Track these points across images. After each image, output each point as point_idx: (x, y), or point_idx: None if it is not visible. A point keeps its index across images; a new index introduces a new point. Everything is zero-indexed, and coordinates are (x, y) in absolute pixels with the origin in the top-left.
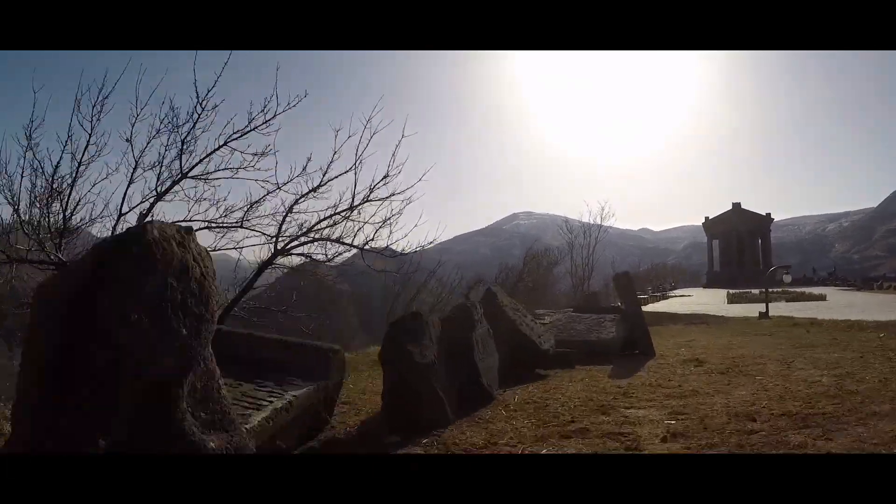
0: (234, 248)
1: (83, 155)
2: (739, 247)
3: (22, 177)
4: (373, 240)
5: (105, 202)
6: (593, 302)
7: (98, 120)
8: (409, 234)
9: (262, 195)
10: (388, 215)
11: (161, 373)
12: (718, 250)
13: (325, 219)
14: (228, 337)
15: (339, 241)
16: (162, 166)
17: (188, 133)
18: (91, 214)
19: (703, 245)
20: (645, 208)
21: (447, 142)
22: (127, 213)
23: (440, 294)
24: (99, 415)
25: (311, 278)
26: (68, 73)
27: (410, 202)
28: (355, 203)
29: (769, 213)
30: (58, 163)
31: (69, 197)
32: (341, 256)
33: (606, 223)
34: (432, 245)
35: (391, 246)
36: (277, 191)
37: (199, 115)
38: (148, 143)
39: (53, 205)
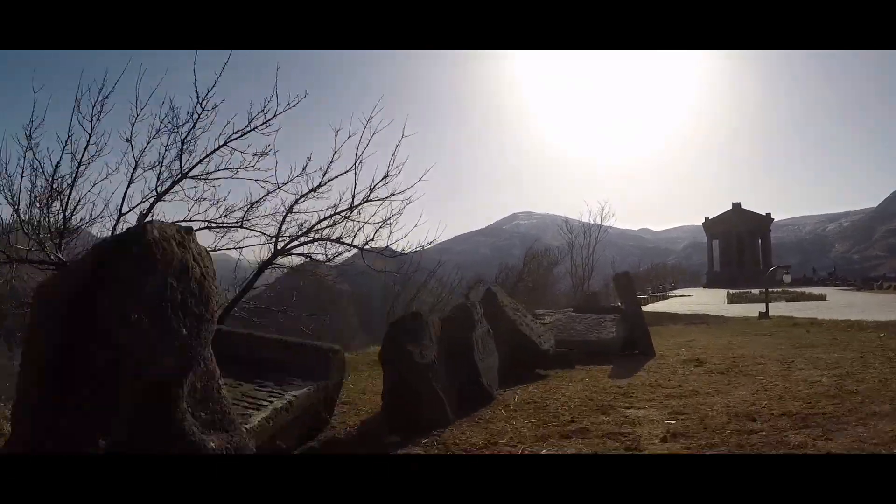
0: (234, 248)
1: (83, 155)
2: (739, 247)
3: (22, 177)
4: (373, 240)
5: (105, 202)
6: (593, 302)
7: (98, 120)
8: (408, 234)
9: (262, 195)
10: (388, 215)
11: (161, 373)
12: (718, 250)
13: (325, 219)
14: (228, 337)
15: (339, 241)
16: (162, 166)
17: (188, 133)
18: (91, 214)
19: (703, 245)
20: (645, 208)
21: (447, 142)
22: (127, 213)
23: (440, 294)
24: (99, 415)
25: (312, 278)
26: (68, 73)
27: (410, 202)
28: (355, 203)
29: (769, 213)
30: (58, 163)
31: (69, 197)
32: (341, 256)
33: (606, 223)
34: (432, 245)
35: (391, 246)
36: (277, 191)
37: (199, 115)
38: (148, 143)
39: (53, 205)
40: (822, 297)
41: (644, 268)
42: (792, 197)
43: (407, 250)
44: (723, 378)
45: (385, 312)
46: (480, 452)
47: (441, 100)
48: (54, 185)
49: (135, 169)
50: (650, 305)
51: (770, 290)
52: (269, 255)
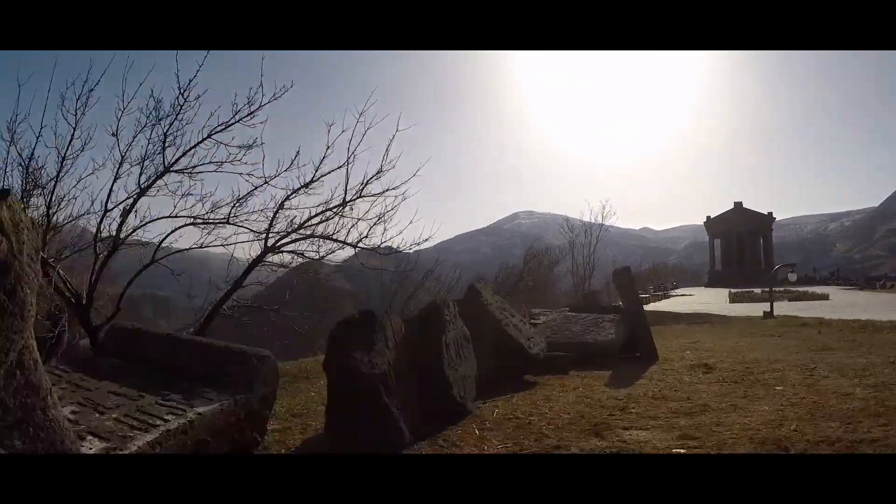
0: (221, 245)
1: (67, 149)
2: (741, 246)
3: (6, 173)
4: (367, 237)
5: (91, 198)
6: (593, 300)
7: (83, 114)
8: (403, 231)
9: (249, 190)
10: (383, 212)
11: None
12: (720, 250)
13: (316, 215)
14: (143, 338)
15: (331, 238)
16: (145, 160)
17: (170, 125)
18: (77, 210)
19: (705, 244)
20: (646, 208)
21: (448, 142)
22: (112, 208)
23: (438, 293)
24: None
25: (307, 276)
26: (52, 65)
27: (406, 199)
28: (348, 199)
29: (771, 213)
30: (31, 155)
31: (53, 193)
32: (336, 255)
33: (608, 222)
34: (428, 242)
35: (386, 244)
36: (265, 185)
37: (182, 106)
38: (135, 138)
39: (36, 200)
40: (824, 297)
41: (645, 267)
42: (793, 196)
43: (402, 248)
44: (737, 388)
45: (382, 312)
46: None
47: (441, 100)
48: (37, 181)
49: (121, 164)
50: (652, 304)
51: (773, 289)
52: (260, 252)
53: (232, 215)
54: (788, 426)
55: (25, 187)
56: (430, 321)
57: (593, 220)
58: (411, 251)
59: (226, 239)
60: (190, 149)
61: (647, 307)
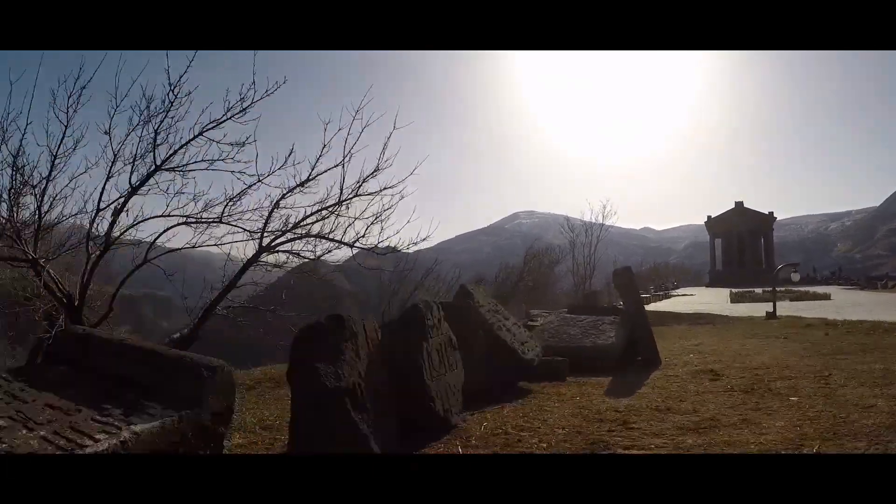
0: (215, 245)
1: (59, 148)
2: (741, 246)
3: None
4: (364, 237)
5: (84, 197)
6: (593, 301)
7: (75, 111)
8: (401, 230)
9: (243, 189)
10: (380, 211)
11: None
12: (721, 250)
13: (311, 214)
14: (91, 343)
15: (327, 237)
16: (136, 158)
17: (161, 122)
18: (70, 210)
19: (706, 244)
20: (647, 208)
21: (448, 142)
22: (105, 208)
23: (437, 293)
24: None
25: (305, 276)
26: (44, 62)
27: (403, 197)
28: (344, 197)
29: (772, 213)
30: (19, 152)
31: (45, 192)
32: (334, 255)
33: (608, 222)
34: (427, 241)
35: (384, 243)
36: (259, 184)
37: (172, 102)
38: (127, 136)
39: (27, 199)
40: (826, 297)
41: (646, 267)
42: (793, 196)
43: (400, 247)
44: (748, 399)
45: (381, 312)
46: None
47: (441, 100)
48: (28, 180)
49: (113, 162)
50: (653, 305)
51: (775, 289)
52: (255, 252)
53: (225, 214)
54: (809, 444)
55: (13, 186)
56: (411, 326)
57: (594, 220)
58: (409, 250)
59: (220, 238)
60: (181, 146)
61: (648, 307)
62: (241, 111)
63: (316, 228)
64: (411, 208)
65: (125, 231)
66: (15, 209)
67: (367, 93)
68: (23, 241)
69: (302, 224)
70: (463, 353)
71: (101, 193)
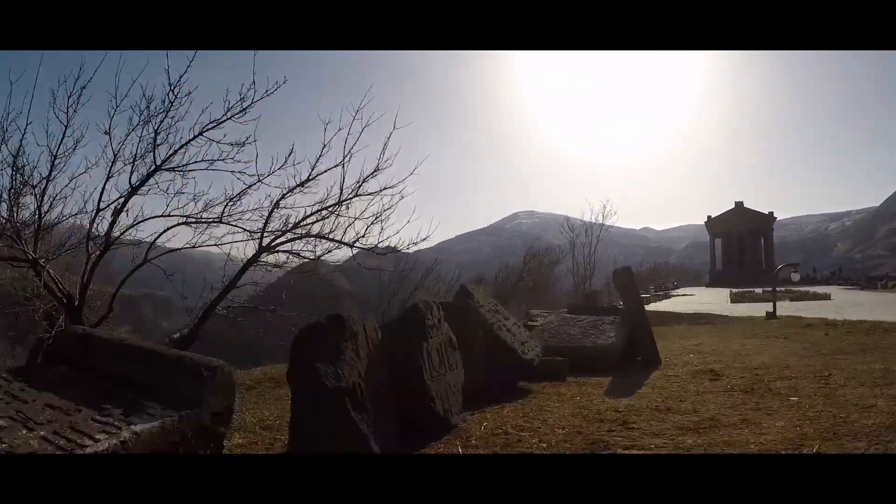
0: (215, 245)
1: (59, 148)
2: (741, 246)
3: None
4: (364, 236)
5: (84, 197)
6: (593, 301)
7: (75, 111)
8: (401, 230)
9: (242, 189)
10: (380, 211)
11: None
12: (721, 249)
13: (311, 214)
14: (91, 343)
15: (327, 237)
16: (136, 158)
17: (161, 122)
18: (71, 210)
19: (706, 244)
20: (646, 208)
21: (449, 142)
22: (105, 208)
23: (437, 293)
24: None
25: (306, 276)
26: (44, 62)
27: (403, 197)
28: (344, 197)
29: (772, 213)
30: (17, 152)
31: (44, 192)
32: (334, 255)
33: (608, 222)
34: (427, 241)
35: (384, 243)
36: (259, 184)
37: (172, 102)
38: (127, 136)
39: (27, 199)
40: (826, 297)
41: (646, 267)
42: (793, 196)
43: (400, 248)
44: (748, 399)
45: (381, 312)
46: None
47: (441, 100)
48: (28, 180)
49: (113, 162)
50: (653, 304)
51: (775, 289)
52: (254, 252)
53: (225, 214)
54: (809, 444)
55: (13, 185)
56: (410, 326)
57: (594, 220)
58: (409, 250)
59: (219, 238)
60: (181, 146)
61: (648, 307)
62: (241, 111)
63: (316, 228)
64: (411, 208)
65: (125, 231)
66: (15, 209)
67: (367, 93)
68: (23, 241)
69: (302, 224)
70: (463, 353)
71: (101, 193)
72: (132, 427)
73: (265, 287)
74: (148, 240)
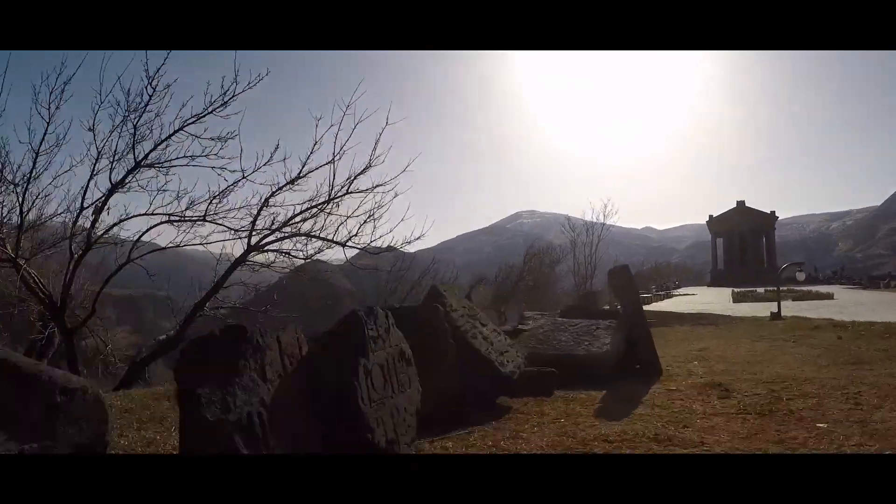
0: (200, 244)
1: (41, 145)
2: (743, 245)
3: None
4: (357, 235)
5: (68, 195)
6: (591, 302)
7: (57, 107)
8: (394, 229)
9: (227, 186)
10: (373, 208)
11: None
12: (722, 249)
13: (301, 212)
14: None
15: (318, 236)
16: (116, 155)
17: (139, 117)
18: (54, 209)
19: (707, 244)
20: (647, 208)
21: (449, 142)
22: (88, 207)
23: None
24: None
25: (299, 276)
26: (27, 58)
27: (397, 195)
28: (334, 195)
29: (773, 212)
30: None
31: (26, 190)
32: (329, 254)
33: (610, 221)
34: (423, 240)
35: (377, 242)
36: (244, 181)
37: (151, 96)
38: (111, 133)
39: (10, 198)
40: (829, 296)
41: (648, 266)
42: (795, 196)
43: (394, 246)
44: (766, 426)
45: (266, 328)
46: None
47: (441, 100)
48: (8, 177)
49: (98, 160)
50: (654, 304)
51: (779, 289)
52: (243, 251)
53: (210, 213)
54: None
55: None
56: (344, 339)
57: (595, 220)
58: (402, 249)
59: (205, 237)
60: (161, 142)
61: (650, 307)
62: (222, 104)
63: (306, 227)
64: (406, 207)
65: (108, 230)
66: None
67: (358, 87)
68: (2, 240)
69: (291, 222)
70: (428, 366)
71: (85, 191)
72: None
73: (253, 287)
74: (133, 239)
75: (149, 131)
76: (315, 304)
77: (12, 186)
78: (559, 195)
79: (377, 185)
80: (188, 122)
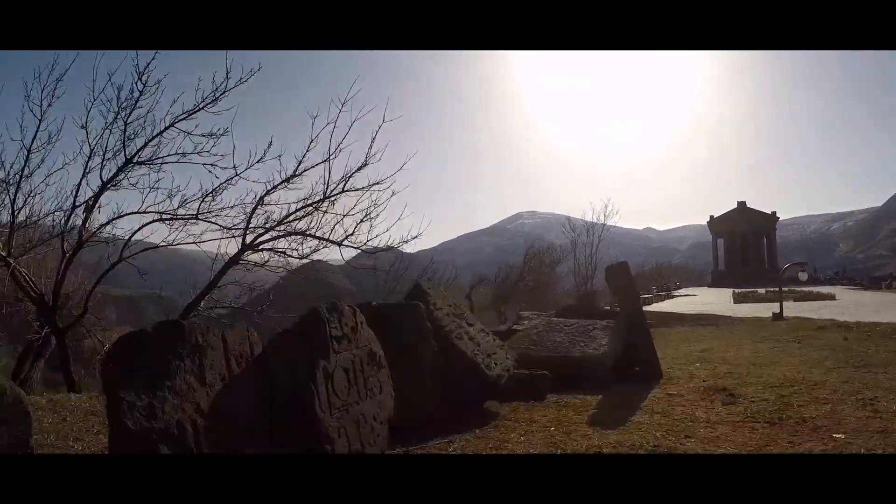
0: (193, 243)
1: (33, 142)
2: (744, 246)
3: None
4: (353, 234)
5: (61, 194)
6: (590, 302)
7: (49, 104)
8: (391, 228)
9: (220, 184)
10: (369, 207)
11: None
12: (723, 249)
13: (295, 211)
14: None
15: (314, 235)
16: (107, 152)
17: (129, 113)
18: (48, 207)
19: (708, 244)
20: (647, 208)
21: (449, 143)
22: (81, 205)
23: None
24: None
25: (294, 276)
26: (17, 54)
27: (395, 193)
28: (329, 193)
29: (774, 212)
30: None
31: (18, 188)
32: (324, 254)
33: (610, 222)
34: (428, 242)
35: (373, 241)
36: (236, 178)
37: (141, 91)
38: (104, 130)
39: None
40: (831, 297)
41: (648, 267)
42: (795, 196)
43: (392, 245)
44: (777, 436)
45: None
46: None
47: (441, 100)
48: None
49: (90, 157)
50: (655, 305)
51: (776, 289)
52: (237, 250)
53: (202, 211)
54: None
55: None
56: (302, 339)
57: (595, 220)
58: (399, 248)
59: (198, 236)
60: (152, 138)
61: (651, 308)
62: (213, 100)
63: (302, 226)
64: (403, 206)
65: (99, 228)
66: None
67: (354, 83)
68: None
69: (286, 221)
70: (408, 368)
71: (77, 190)
72: None
73: (250, 287)
74: (125, 237)
75: (141, 128)
76: (315, 305)
77: (4, 185)
78: (559, 195)
79: (374, 184)
80: (179, 118)
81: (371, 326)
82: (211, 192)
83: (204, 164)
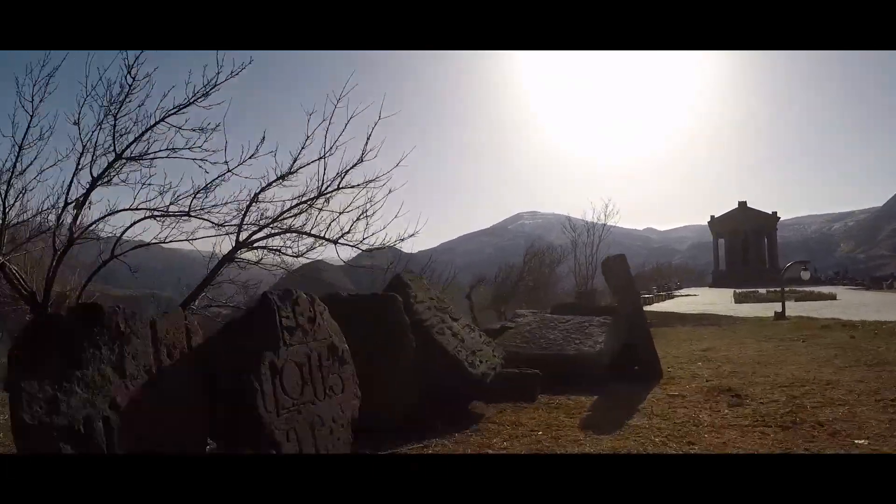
0: (186, 241)
1: (24, 138)
2: (745, 246)
3: None
4: (349, 232)
5: (53, 190)
6: (588, 300)
7: (41, 100)
8: (388, 225)
9: (212, 180)
10: (365, 204)
11: None
12: (724, 249)
13: (290, 208)
14: None
15: (309, 233)
16: (97, 147)
17: (119, 108)
18: (40, 204)
19: (709, 244)
20: (648, 208)
21: (450, 143)
22: (72, 202)
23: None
24: None
25: (290, 276)
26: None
27: (391, 191)
28: (325, 189)
29: (775, 212)
30: None
31: (9, 185)
32: (320, 253)
33: (611, 222)
34: (428, 241)
35: (370, 240)
36: (230, 174)
37: (131, 85)
38: (96, 126)
39: None
40: (832, 297)
41: (649, 267)
42: (796, 196)
43: (388, 244)
44: (792, 442)
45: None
46: None
47: (441, 100)
48: None
49: (82, 154)
50: (656, 305)
51: (777, 289)
52: (231, 248)
53: (195, 208)
54: None
55: None
56: (246, 328)
57: (596, 220)
58: (395, 246)
59: (191, 233)
60: (142, 134)
61: (651, 308)
62: (204, 94)
63: (297, 223)
64: (400, 204)
65: (91, 225)
66: None
67: (350, 79)
68: None
69: (281, 218)
70: (380, 365)
71: (69, 186)
72: None
73: (244, 284)
74: (116, 234)
75: (132, 123)
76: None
77: None
78: (560, 195)
79: (370, 181)
80: (170, 112)
81: (341, 318)
82: (203, 188)
83: (195, 160)
